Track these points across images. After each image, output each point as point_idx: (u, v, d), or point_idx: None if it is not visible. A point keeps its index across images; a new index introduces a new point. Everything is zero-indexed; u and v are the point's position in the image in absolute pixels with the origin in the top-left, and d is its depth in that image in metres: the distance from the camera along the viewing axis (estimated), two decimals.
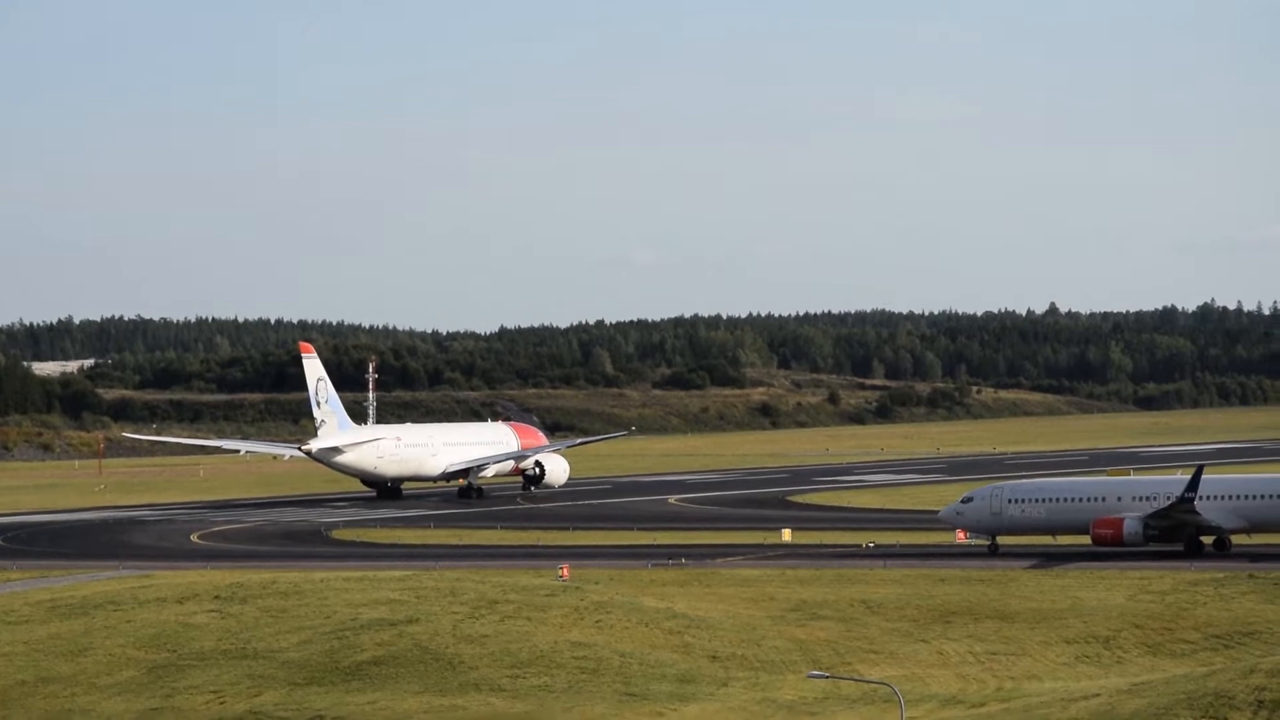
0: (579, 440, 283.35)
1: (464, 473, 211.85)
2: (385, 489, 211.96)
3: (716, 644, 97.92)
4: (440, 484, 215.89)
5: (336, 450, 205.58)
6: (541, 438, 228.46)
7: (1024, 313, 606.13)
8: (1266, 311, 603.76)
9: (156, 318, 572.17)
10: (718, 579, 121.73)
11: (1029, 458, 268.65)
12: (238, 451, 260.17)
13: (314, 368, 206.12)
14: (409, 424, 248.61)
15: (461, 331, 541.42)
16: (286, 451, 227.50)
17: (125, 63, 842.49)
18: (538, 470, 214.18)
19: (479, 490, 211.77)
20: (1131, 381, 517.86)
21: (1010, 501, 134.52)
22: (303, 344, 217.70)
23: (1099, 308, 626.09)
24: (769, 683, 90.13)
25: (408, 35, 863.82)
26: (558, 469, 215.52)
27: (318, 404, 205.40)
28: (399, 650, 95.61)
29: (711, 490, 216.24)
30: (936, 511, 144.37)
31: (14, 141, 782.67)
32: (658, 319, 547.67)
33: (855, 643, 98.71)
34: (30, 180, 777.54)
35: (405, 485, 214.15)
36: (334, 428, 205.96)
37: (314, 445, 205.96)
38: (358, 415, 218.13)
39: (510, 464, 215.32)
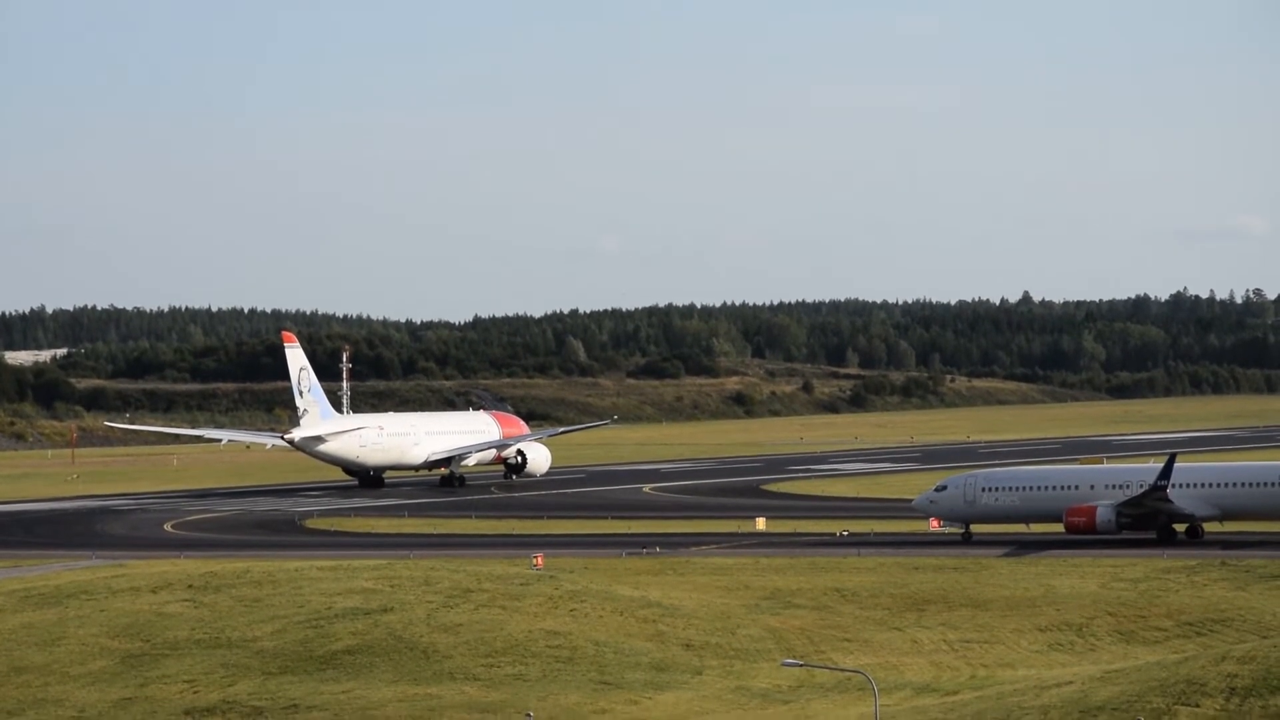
0: (561, 429, 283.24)
1: (446, 461, 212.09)
2: (367, 478, 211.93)
3: (691, 632, 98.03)
4: (422, 473, 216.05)
5: (319, 439, 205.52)
6: (523, 427, 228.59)
7: (997, 301, 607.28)
8: (1238, 300, 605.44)
9: (130, 307, 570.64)
10: (692, 568, 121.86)
11: (1002, 446, 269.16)
12: (219, 441, 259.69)
13: (296, 357, 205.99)
14: (391, 413, 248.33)
15: (435, 321, 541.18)
16: (269, 440, 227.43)
17: (99, 51, 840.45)
18: (520, 459, 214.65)
19: (461, 479, 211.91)
20: (1104, 370, 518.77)
21: (984, 490, 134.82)
22: (285, 333, 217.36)
23: (1072, 296, 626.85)
24: (743, 671, 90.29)
25: (381, 29, 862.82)
26: (540, 458, 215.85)
27: (300, 393, 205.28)
28: (373, 639, 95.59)
29: (686, 479, 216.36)
30: (910, 500, 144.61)
31: None
32: (632, 308, 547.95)
33: (829, 631, 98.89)
34: (2, 169, 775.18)
35: (387, 474, 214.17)
36: (316, 417, 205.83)
37: (297, 434, 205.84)
38: (332, 405, 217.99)
39: (492, 453, 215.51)
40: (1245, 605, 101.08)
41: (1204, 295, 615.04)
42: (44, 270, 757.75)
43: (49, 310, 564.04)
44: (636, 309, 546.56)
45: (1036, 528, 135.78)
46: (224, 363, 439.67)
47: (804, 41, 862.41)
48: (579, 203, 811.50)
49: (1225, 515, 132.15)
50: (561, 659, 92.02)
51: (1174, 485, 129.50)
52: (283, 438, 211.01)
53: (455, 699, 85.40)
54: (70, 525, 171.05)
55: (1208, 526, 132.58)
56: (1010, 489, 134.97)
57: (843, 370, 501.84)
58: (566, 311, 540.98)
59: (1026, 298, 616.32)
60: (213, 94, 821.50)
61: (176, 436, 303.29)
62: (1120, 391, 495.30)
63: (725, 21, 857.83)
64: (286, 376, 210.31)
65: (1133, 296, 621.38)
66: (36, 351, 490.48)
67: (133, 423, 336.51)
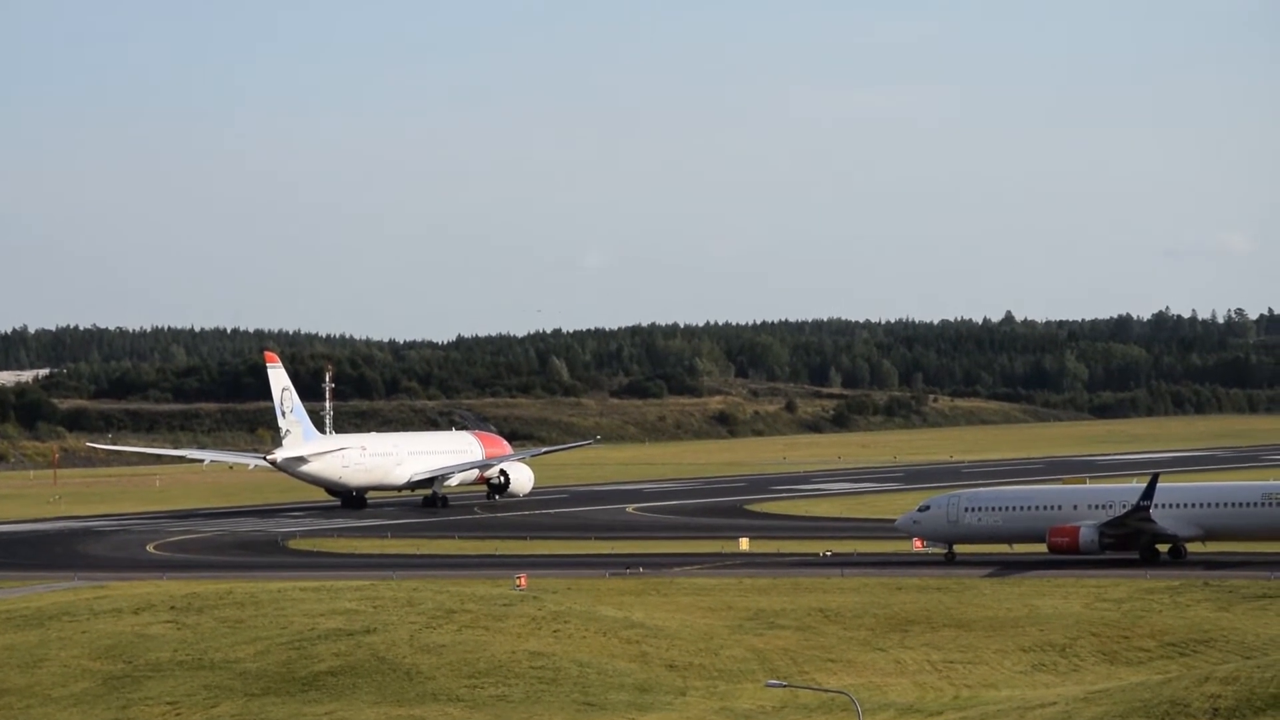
0: (544, 449, 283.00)
1: (429, 482, 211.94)
2: (350, 498, 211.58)
3: (674, 653, 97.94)
4: (405, 493, 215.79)
5: (302, 459, 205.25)
6: (506, 447, 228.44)
7: (980, 321, 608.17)
8: (1220, 320, 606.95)
9: (112, 327, 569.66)
10: (675, 588, 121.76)
11: (985, 466, 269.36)
12: (202, 461, 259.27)
13: (279, 377, 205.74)
14: (374, 433, 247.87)
15: (418, 340, 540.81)
16: (251, 461, 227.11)
17: (79, 67, 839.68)
18: (503, 479, 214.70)
19: (444, 499, 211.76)
20: (1087, 390, 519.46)
21: (967, 510, 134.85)
22: (268, 353, 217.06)
23: (1054, 316, 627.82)
24: (727, 692, 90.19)
25: (357, 46, 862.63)
26: (522, 478, 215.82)
27: (283, 413, 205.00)
28: (356, 660, 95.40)
29: (669, 499, 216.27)
30: (893, 520, 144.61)
31: None
32: (614, 327, 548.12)
33: (813, 651, 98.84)
34: None
35: (370, 494, 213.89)
36: (299, 437, 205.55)
37: (279, 455, 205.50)
38: (315, 425, 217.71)
39: (475, 473, 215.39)
40: (1229, 626, 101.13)
41: (1186, 315, 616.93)
42: (26, 290, 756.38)
43: (31, 330, 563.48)
44: (619, 328, 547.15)
45: (1020, 548, 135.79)
46: (206, 383, 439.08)
47: (789, 58, 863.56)
48: (561, 222, 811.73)
49: (1208, 535, 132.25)
50: (545, 680, 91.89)
51: (1157, 505, 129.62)
52: (265, 458, 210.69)
53: None
54: (52, 546, 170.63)
55: (1191, 547, 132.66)
56: (993, 509, 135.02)
57: (826, 390, 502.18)
58: (549, 331, 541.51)
59: (1009, 317, 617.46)
60: (196, 113, 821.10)
61: (159, 457, 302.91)
62: (1103, 411, 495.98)
63: (709, 40, 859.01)
64: (269, 396, 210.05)
65: (1115, 316, 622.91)
66: (18, 371, 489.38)
67: (115, 443, 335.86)
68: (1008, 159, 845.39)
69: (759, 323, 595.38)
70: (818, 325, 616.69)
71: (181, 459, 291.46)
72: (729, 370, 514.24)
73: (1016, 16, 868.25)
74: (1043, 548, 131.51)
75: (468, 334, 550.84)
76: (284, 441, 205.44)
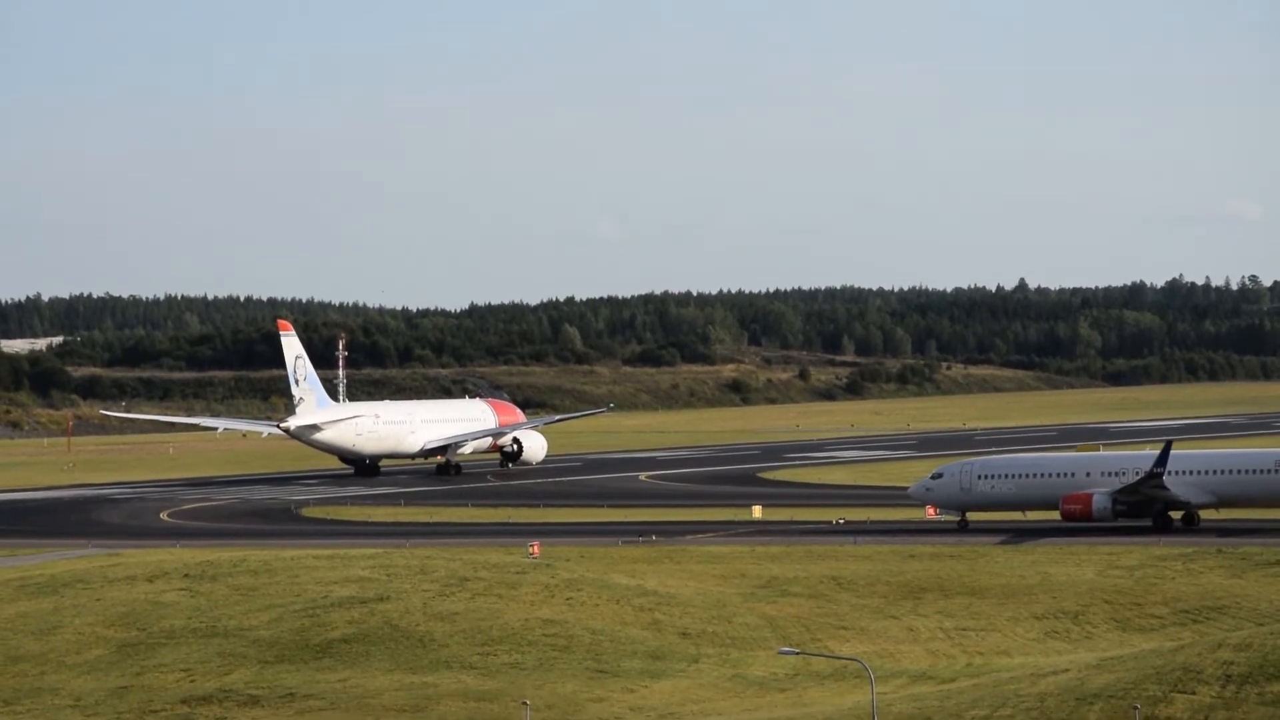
0: (557, 417, 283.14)
1: (442, 449, 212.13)
2: (363, 466, 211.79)
3: (687, 621, 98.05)
4: (418, 461, 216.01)
5: (315, 428, 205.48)
6: (519, 415, 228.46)
7: (994, 289, 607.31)
8: (1234, 286, 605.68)
9: (125, 295, 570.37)
10: (688, 556, 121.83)
11: (998, 433, 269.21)
12: (215, 429, 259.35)
13: (292, 345, 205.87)
14: (387, 401, 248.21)
15: (431, 308, 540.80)
16: (265, 429, 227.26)
17: (90, 40, 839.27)
18: (516, 447, 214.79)
19: (457, 467, 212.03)
20: (1100, 357, 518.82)
21: (980, 477, 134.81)
22: (281, 321, 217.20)
23: (1068, 283, 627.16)
24: (739, 659, 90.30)
25: (372, 16, 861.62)
26: (535, 446, 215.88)
27: (296, 381, 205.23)
28: (369, 628, 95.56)
29: (682, 467, 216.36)
30: (906, 488, 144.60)
31: None
32: (628, 295, 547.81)
33: (826, 619, 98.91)
34: None
35: (383, 462, 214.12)
36: (312, 405, 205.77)
37: (292, 423, 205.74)
38: (328, 393, 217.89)
39: (488, 441, 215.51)
40: (1241, 593, 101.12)
41: (1200, 282, 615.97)
42: (40, 259, 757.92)
43: (45, 298, 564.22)
44: (633, 296, 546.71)
45: (1033, 515, 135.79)
46: (220, 351, 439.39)
47: (802, 26, 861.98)
48: (575, 190, 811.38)
49: (1221, 502, 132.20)
50: (558, 647, 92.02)
51: (1170, 472, 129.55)
52: (279, 426, 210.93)
53: (451, 687, 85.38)
54: (66, 514, 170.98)
55: (1204, 514, 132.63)
56: (1006, 476, 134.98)
57: (839, 358, 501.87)
58: (563, 299, 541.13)
59: (1022, 285, 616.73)
60: (209, 83, 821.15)
61: (172, 425, 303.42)
62: (1116, 378, 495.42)
63: (721, 8, 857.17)
64: (282, 365, 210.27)
65: (1129, 283, 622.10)
66: (32, 340, 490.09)
67: (128, 411, 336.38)
68: (1021, 128, 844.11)
69: (772, 290, 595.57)
70: (831, 293, 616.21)
71: (195, 427, 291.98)
72: (742, 338, 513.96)
73: None
74: (1056, 515, 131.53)
75: (481, 302, 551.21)
76: (297, 409, 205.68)
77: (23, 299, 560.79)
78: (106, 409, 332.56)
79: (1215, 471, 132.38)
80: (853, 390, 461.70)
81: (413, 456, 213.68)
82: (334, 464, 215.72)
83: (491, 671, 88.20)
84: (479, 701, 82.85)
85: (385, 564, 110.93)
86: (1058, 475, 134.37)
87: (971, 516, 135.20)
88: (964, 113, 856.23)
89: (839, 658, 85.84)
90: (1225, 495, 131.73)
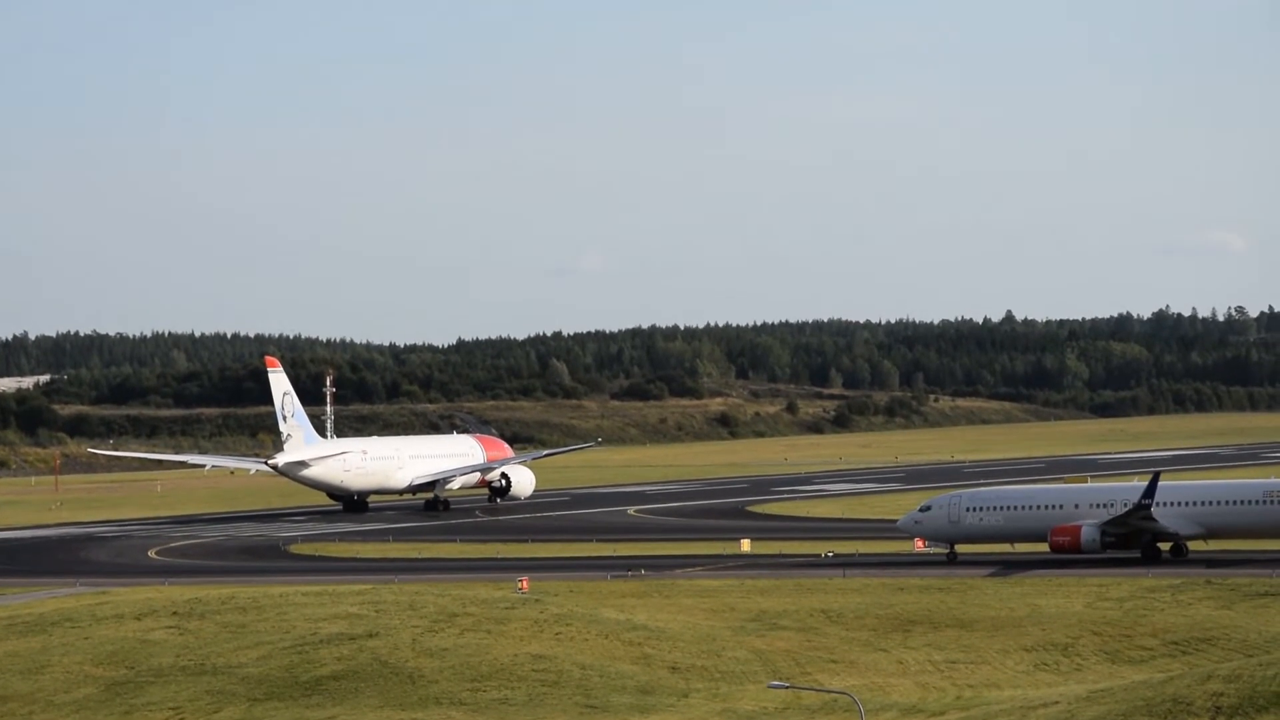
0: (545, 452, 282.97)
1: (430, 485, 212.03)
2: (351, 502, 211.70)
3: (676, 655, 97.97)
4: (407, 497, 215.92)
5: (303, 464, 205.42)
6: (507, 450, 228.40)
7: (980, 321, 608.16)
8: (1221, 318, 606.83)
9: (112, 333, 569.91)
10: (677, 590, 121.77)
11: (986, 466, 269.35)
12: (203, 466, 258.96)
13: (280, 381, 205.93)
14: (375, 437, 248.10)
15: (419, 344, 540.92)
16: (253, 466, 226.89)
17: (77, 75, 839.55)
18: (504, 482, 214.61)
19: (445, 503, 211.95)
20: (1088, 389, 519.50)
21: (968, 510, 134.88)
22: (268, 358, 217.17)
23: (1055, 315, 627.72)
24: (729, 693, 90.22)
25: (354, 45, 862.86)
26: (524, 481, 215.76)
27: (284, 418, 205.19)
28: (358, 664, 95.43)
29: (670, 501, 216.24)
30: (895, 520, 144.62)
31: None
32: (615, 329, 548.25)
33: (815, 652, 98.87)
34: None
35: (371, 498, 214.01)
36: (300, 441, 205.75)
37: (280, 459, 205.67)
38: (316, 429, 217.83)
39: (476, 476, 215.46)
40: (1230, 624, 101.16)
41: (1186, 313, 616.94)
42: (26, 297, 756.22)
43: (31, 336, 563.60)
44: (620, 331, 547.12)
45: (1021, 547, 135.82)
46: (207, 388, 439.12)
47: (788, 59, 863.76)
48: (561, 224, 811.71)
49: (1210, 533, 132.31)
50: (547, 683, 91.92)
51: (1158, 504, 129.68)
52: (266, 463, 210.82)
53: None
54: (54, 552, 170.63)
55: (1192, 545, 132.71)
56: (995, 509, 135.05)
57: (826, 390, 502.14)
58: (550, 334, 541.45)
59: (1009, 316, 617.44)
60: (193, 118, 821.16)
61: (160, 462, 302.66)
62: (1104, 410, 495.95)
63: (707, 42, 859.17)
64: (270, 401, 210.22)
65: (1115, 315, 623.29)
66: (19, 378, 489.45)
67: (116, 449, 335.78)
68: (1007, 158, 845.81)
69: (759, 324, 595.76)
70: (818, 326, 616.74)
71: (183, 464, 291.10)
72: (729, 371, 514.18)
73: (1016, 14, 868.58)
74: (1044, 547, 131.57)
75: (468, 337, 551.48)
76: (285, 446, 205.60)
77: (9, 337, 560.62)
78: (94, 447, 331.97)
79: (1203, 503, 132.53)
80: (840, 423, 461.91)
81: (401, 492, 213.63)
82: (322, 500, 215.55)
83: (481, 707, 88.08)
84: None
85: (374, 600, 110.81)
86: (1046, 507, 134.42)
87: (960, 549, 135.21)
88: (950, 144, 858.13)
89: (829, 691, 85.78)
90: (1213, 526, 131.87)
